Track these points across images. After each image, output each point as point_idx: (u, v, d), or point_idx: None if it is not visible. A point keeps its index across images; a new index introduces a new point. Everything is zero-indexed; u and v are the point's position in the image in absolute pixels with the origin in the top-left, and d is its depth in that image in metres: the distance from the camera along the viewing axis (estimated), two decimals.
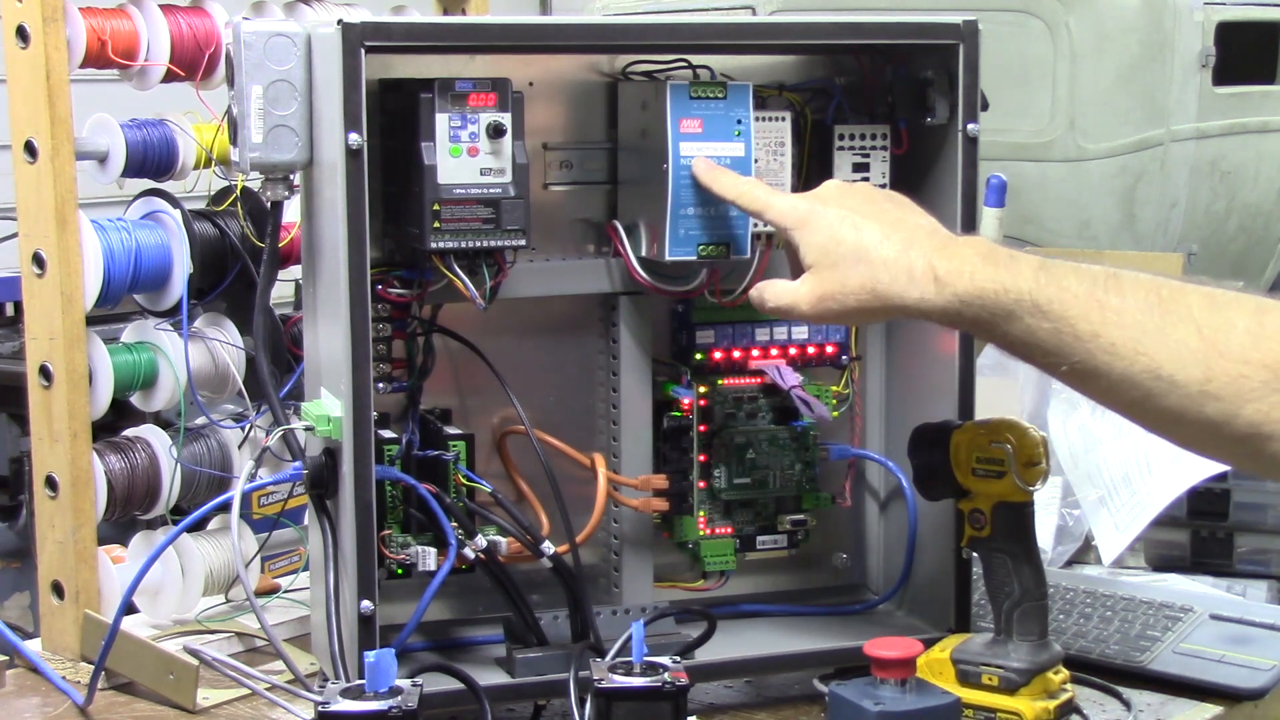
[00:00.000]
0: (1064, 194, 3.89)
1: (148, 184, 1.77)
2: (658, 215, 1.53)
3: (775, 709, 1.59)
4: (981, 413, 1.58)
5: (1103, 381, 1.29)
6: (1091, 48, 3.81)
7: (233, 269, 1.78)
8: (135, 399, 1.75)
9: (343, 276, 1.42)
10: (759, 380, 1.65)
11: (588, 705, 1.36)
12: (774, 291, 1.46)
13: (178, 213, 1.72)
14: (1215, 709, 1.59)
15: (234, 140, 1.50)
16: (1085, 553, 2.09)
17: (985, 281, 1.34)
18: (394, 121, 1.50)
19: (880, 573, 1.74)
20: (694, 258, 1.54)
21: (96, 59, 1.69)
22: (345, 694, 1.28)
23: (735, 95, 1.53)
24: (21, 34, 1.61)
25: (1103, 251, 3.50)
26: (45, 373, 1.65)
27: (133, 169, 1.74)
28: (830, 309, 1.42)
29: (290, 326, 1.78)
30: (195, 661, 1.56)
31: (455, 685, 1.44)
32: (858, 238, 1.40)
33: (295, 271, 1.66)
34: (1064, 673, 1.52)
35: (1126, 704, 1.58)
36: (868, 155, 1.62)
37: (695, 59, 1.57)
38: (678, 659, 1.36)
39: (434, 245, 1.46)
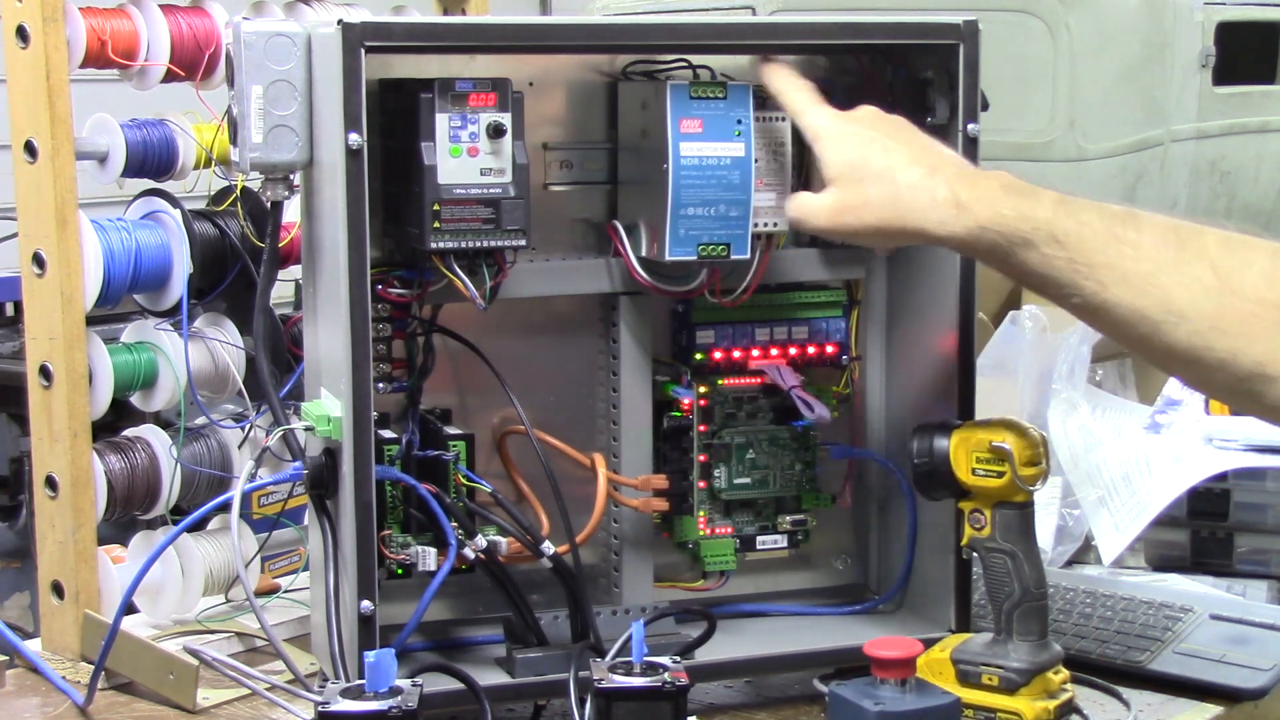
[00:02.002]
0: None
1: (148, 184, 1.77)
2: (658, 215, 1.53)
3: (775, 709, 1.59)
4: (981, 413, 1.59)
5: (1113, 314, 1.31)
6: (1091, 48, 3.80)
7: (233, 269, 1.78)
8: (135, 399, 1.75)
9: (343, 276, 1.42)
10: (759, 380, 1.65)
11: (588, 705, 1.36)
12: (795, 202, 1.48)
13: (178, 213, 1.72)
14: (1215, 709, 1.59)
15: (234, 140, 1.50)
16: (1085, 553, 2.09)
17: (1005, 209, 1.36)
18: (394, 121, 1.50)
19: (880, 573, 1.74)
20: (694, 258, 1.54)
21: (96, 59, 1.69)
22: (345, 694, 1.28)
23: (735, 95, 1.53)
24: (21, 34, 1.61)
25: None
26: (45, 373, 1.65)
27: (133, 169, 1.74)
28: (847, 223, 1.43)
29: (290, 326, 1.78)
30: (195, 661, 1.56)
31: (455, 685, 1.45)
32: (885, 159, 1.43)
33: (295, 271, 1.65)
34: (1064, 673, 1.52)
35: (1126, 704, 1.58)
36: None
37: (695, 59, 1.58)
38: (678, 659, 1.37)
39: (434, 245, 1.46)
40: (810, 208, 1.47)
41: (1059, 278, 1.34)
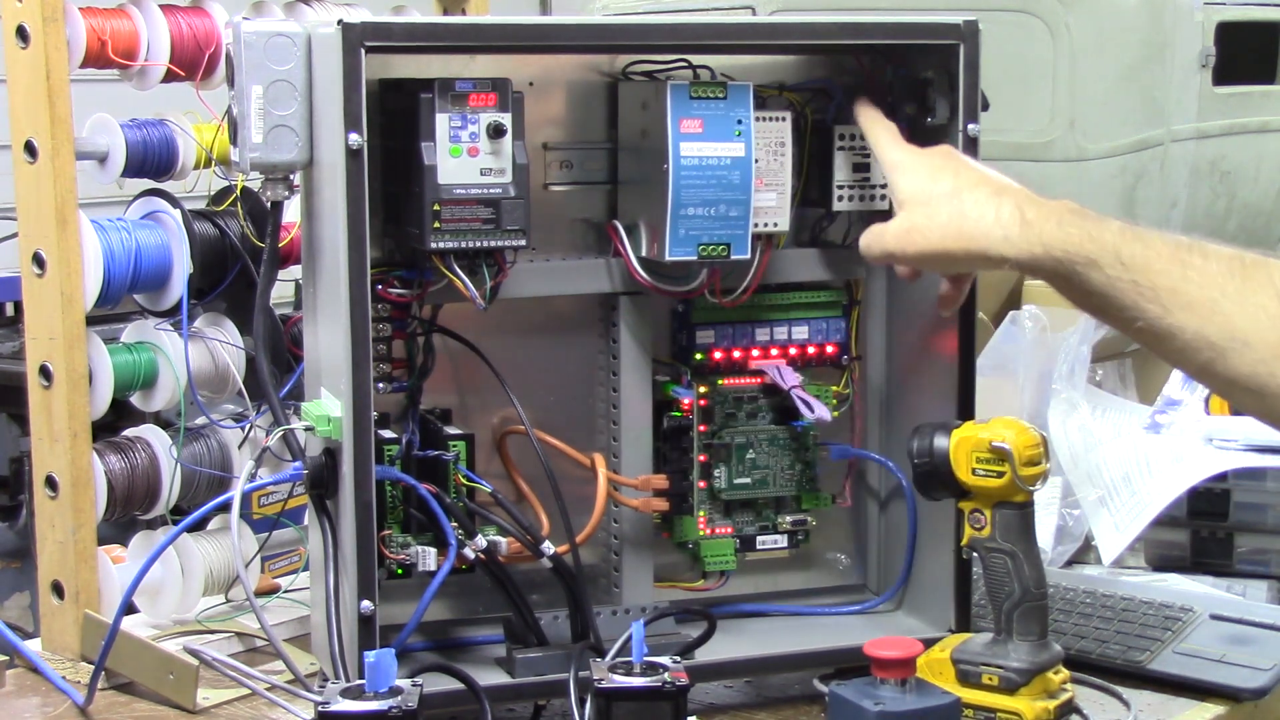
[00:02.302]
0: (1064, 194, 3.86)
1: (148, 184, 1.77)
2: (658, 215, 1.53)
3: (775, 709, 1.59)
4: (981, 413, 1.59)
5: (1177, 340, 1.32)
6: (1091, 48, 3.80)
7: (233, 269, 1.78)
8: (135, 399, 1.75)
9: (343, 276, 1.42)
10: (759, 380, 1.65)
11: (588, 705, 1.36)
12: (867, 231, 1.51)
13: (178, 213, 1.72)
14: (1215, 709, 1.59)
15: (234, 140, 1.50)
16: (1085, 553, 2.09)
17: (1071, 228, 1.38)
18: (394, 121, 1.50)
19: (880, 573, 1.74)
20: (694, 258, 1.54)
21: (96, 59, 1.69)
22: (345, 694, 1.28)
23: (735, 95, 1.53)
24: (21, 34, 1.61)
25: None
26: (45, 373, 1.65)
27: (133, 169, 1.74)
28: (914, 242, 1.46)
29: (290, 326, 1.78)
30: (195, 661, 1.56)
31: (455, 685, 1.45)
32: (954, 182, 1.45)
33: (295, 271, 1.66)
34: (1064, 673, 1.52)
35: (1126, 704, 1.58)
36: (868, 155, 1.62)
37: (695, 59, 1.57)
38: (678, 659, 1.37)
39: (434, 245, 1.46)
40: (879, 231, 1.50)
41: (1123, 300, 1.34)
